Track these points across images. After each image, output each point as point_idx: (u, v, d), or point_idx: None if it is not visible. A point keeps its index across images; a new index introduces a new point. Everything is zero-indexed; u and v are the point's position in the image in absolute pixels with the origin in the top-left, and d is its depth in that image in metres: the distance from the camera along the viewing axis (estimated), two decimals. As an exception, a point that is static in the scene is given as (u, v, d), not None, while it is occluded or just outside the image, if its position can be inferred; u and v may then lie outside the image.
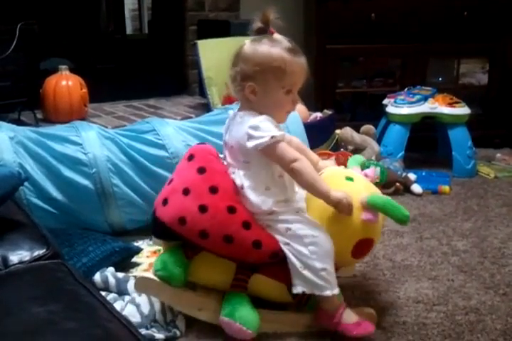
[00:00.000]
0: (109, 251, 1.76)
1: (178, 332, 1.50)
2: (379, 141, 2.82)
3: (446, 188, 2.59)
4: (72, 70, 2.74)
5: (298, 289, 1.45)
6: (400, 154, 2.76)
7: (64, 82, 2.68)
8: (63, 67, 2.71)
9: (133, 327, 0.97)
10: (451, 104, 2.79)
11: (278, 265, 1.46)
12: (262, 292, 1.53)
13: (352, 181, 1.52)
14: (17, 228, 1.27)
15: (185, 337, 1.50)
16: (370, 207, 1.44)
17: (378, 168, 2.43)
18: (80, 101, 2.71)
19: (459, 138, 2.78)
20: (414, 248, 2.05)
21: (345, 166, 2.43)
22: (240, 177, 1.46)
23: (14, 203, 1.38)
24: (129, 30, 4.78)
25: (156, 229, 1.50)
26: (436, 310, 1.64)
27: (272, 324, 1.52)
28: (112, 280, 1.67)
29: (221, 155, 1.54)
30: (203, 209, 1.41)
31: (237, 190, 1.46)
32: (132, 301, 1.58)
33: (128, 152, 1.98)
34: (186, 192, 1.43)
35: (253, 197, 1.44)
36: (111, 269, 1.72)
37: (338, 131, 2.72)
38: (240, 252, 1.44)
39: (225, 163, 1.52)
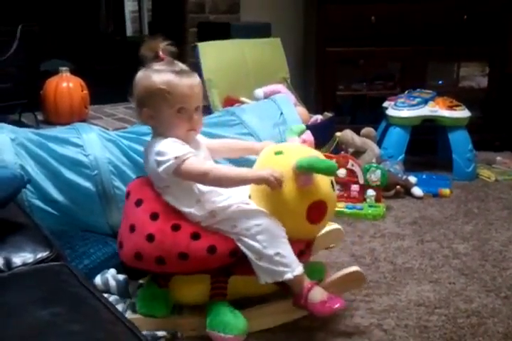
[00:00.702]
0: (111, 253, 1.75)
1: (179, 332, 1.50)
2: (379, 143, 2.82)
3: (446, 191, 2.59)
4: (72, 72, 2.74)
5: (262, 280, 1.47)
6: (401, 157, 2.76)
7: (65, 84, 2.68)
8: (64, 68, 2.72)
9: (136, 329, 0.97)
10: (451, 107, 2.79)
11: (247, 260, 1.47)
12: (245, 291, 1.55)
13: (281, 154, 1.53)
14: (20, 230, 1.27)
15: (187, 338, 1.50)
16: (301, 171, 1.46)
17: (379, 171, 2.44)
18: (81, 103, 2.71)
19: (459, 141, 2.79)
20: (415, 251, 2.05)
21: (346, 168, 2.46)
22: (169, 201, 1.49)
23: (16, 205, 1.38)
24: (129, 31, 4.78)
25: (127, 272, 1.59)
26: (437, 313, 1.64)
27: (259, 320, 1.53)
28: (112, 283, 1.66)
29: None
30: (150, 238, 1.44)
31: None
32: (133, 303, 1.57)
33: (129, 154, 1.97)
34: (132, 229, 1.48)
35: (188, 210, 1.47)
36: (112, 271, 1.71)
37: (338, 134, 2.72)
38: (200, 263, 1.46)
39: None
